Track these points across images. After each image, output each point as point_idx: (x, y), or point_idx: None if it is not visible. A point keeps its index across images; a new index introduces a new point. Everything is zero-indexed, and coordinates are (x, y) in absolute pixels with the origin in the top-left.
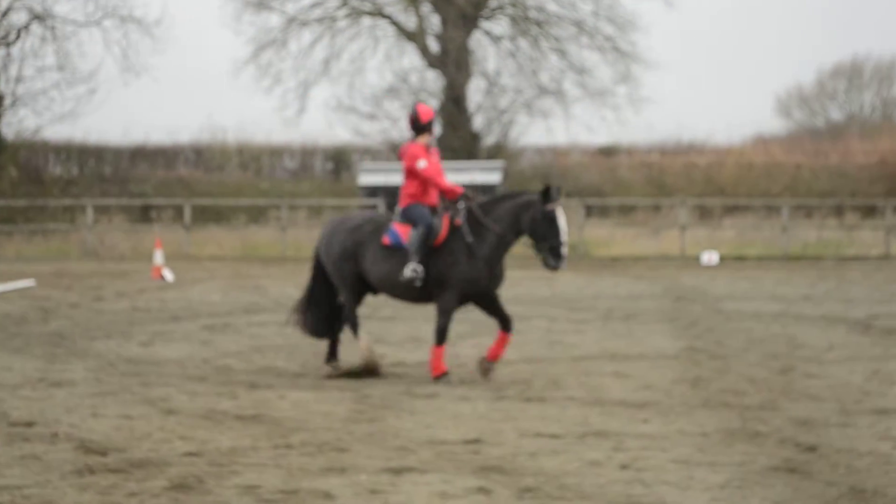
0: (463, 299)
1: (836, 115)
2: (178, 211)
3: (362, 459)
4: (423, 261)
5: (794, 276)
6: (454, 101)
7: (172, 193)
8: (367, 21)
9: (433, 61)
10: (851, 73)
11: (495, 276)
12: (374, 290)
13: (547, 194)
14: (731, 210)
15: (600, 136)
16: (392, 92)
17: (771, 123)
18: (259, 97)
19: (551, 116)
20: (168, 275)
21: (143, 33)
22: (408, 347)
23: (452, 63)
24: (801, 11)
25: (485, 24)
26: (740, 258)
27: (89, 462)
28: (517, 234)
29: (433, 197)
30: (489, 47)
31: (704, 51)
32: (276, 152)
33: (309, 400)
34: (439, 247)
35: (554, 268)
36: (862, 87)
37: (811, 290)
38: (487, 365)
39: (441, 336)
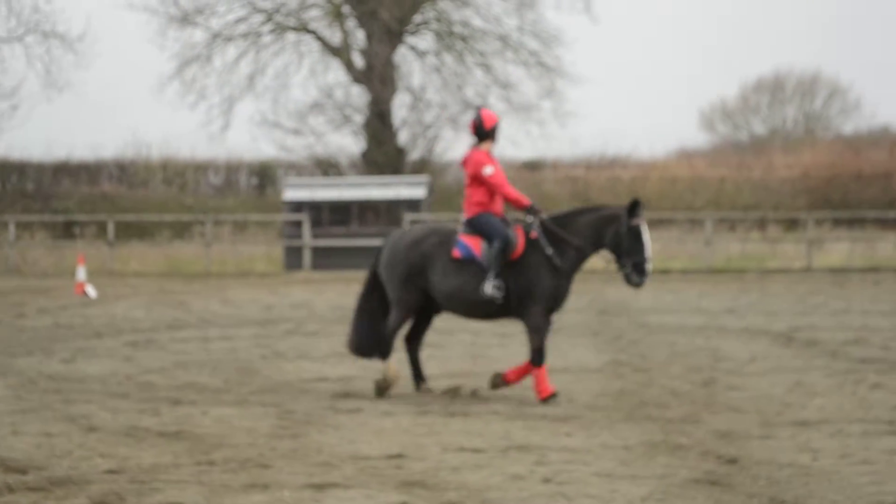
0: (548, 313)
1: (760, 128)
2: (102, 227)
3: (285, 475)
4: (501, 275)
5: (718, 288)
6: (379, 117)
7: (96, 209)
8: (291, 36)
9: (358, 76)
10: (774, 88)
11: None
12: (436, 309)
13: (634, 208)
14: (655, 223)
15: (525, 151)
16: (317, 107)
17: (695, 137)
18: (183, 113)
19: None
20: (91, 291)
21: (65, 49)
22: (331, 362)
23: (377, 78)
24: (724, 26)
25: (410, 40)
26: (664, 271)
27: (9, 481)
28: (597, 248)
29: (499, 206)
30: (414, 62)
31: (629, 66)
32: (201, 168)
33: (232, 416)
34: (517, 261)
35: (638, 284)
36: (784, 101)
37: (734, 303)
38: (500, 382)
39: (540, 356)
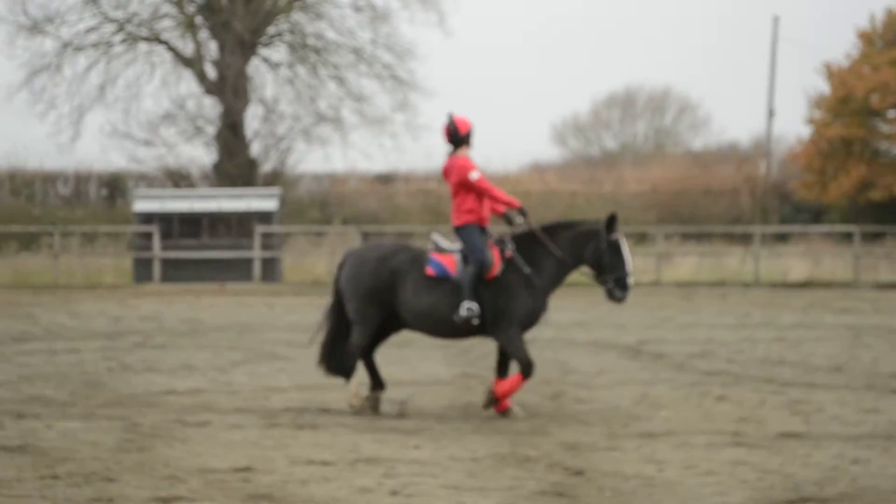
0: (523, 332)
1: (611, 143)
2: None
3: (131, 489)
4: (475, 296)
5: (568, 302)
6: (231, 128)
7: None
8: (143, 47)
9: (211, 88)
10: (625, 103)
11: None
12: (400, 327)
13: (611, 223)
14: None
15: (378, 164)
16: (168, 118)
17: (547, 152)
18: (32, 123)
19: (329, 144)
20: None
21: None
22: (179, 375)
23: (230, 89)
24: (576, 41)
25: (263, 51)
26: None
27: None
28: (577, 264)
29: (487, 212)
30: (267, 74)
31: (482, 80)
32: (50, 178)
33: (77, 429)
34: (493, 280)
35: (620, 300)
36: (635, 117)
37: (583, 316)
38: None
39: (529, 369)
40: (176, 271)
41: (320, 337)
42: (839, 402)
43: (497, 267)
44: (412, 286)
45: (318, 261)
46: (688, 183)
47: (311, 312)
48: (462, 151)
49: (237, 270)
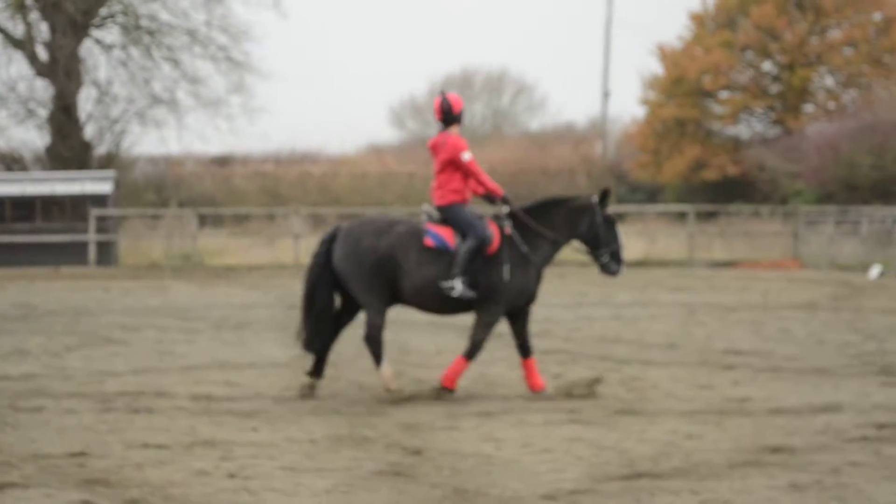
0: (505, 311)
1: None
2: None
3: None
4: (469, 271)
5: None
6: (64, 111)
7: None
8: None
9: (42, 70)
10: (462, 85)
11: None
12: (397, 301)
13: (605, 198)
14: (346, 219)
15: (214, 146)
16: None
17: (384, 133)
18: None
19: (164, 126)
20: None
21: None
22: (12, 360)
23: (62, 71)
24: (413, 22)
25: (95, 33)
26: None
27: None
28: (570, 239)
29: (470, 194)
30: (100, 56)
31: (319, 62)
32: None
33: None
34: (490, 256)
35: (615, 273)
36: (472, 98)
37: None
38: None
39: (476, 350)
40: (9, 256)
41: (303, 312)
42: (673, 379)
43: (497, 243)
44: (415, 258)
45: (154, 244)
46: (525, 164)
47: (148, 295)
48: (454, 130)
49: (72, 254)
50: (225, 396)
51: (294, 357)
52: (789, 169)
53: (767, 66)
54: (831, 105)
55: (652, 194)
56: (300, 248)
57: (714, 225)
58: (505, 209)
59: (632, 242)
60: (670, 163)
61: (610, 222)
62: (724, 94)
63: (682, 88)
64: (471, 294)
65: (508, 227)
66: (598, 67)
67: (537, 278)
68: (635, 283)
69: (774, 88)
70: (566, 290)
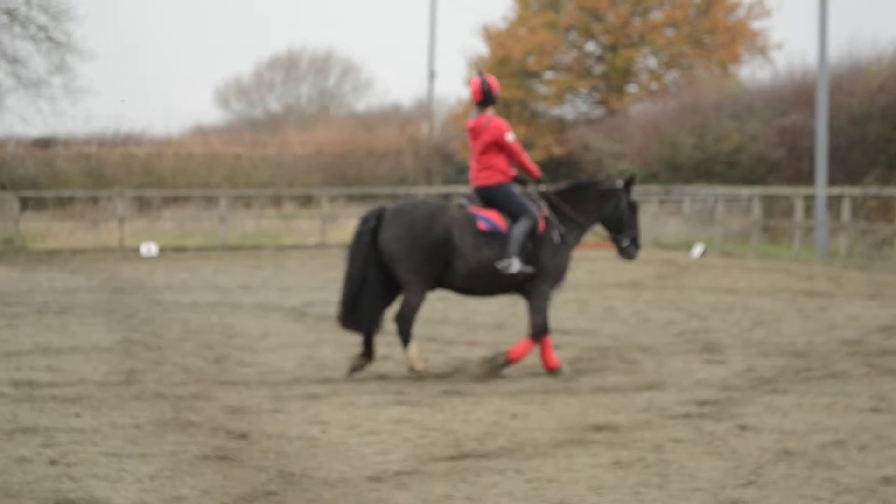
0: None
1: (275, 105)
2: None
3: None
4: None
5: (233, 266)
6: None
7: None
8: None
9: None
10: (288, 65)
11: None
12: (439, 284)
13: (630, 184)
14: (171, 201)
15: (36, 128)
16: None
17: (210, 114)
18: None
19: None
20: None
21: None
22: None
23: None
24: (239, 3)
25: None
26: (180, 249)
27: None
28: (596, 222)
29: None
30: None
31: (143, 42)
32: None
33: None
34: (539, 237)
35: (633, 257)
36: (299, 79)
37: (249, 280)
38: (503, 361)
39: (540, 333)
40: None
41: (351, 293)
42: None
43: (542, 224)
44: (471, 241)
45: None
46: (352, 145)
47: None
48: (490, 111)
49: None
50: (47, 382)
51: (118, 341)
52: (614, 149)
53: (591, 46)
54: (654, 86)
55: None
56: (125, 231)
57: None
58: (541, 189)
59: None
60: None
61: (634, 208)
62: (548, 75)
63: (508, 69)
64: (529, 269)
65: (545, 210)
66: (424, 48)
67: (569, 258)
68: None
69: (598, 69)
70: None
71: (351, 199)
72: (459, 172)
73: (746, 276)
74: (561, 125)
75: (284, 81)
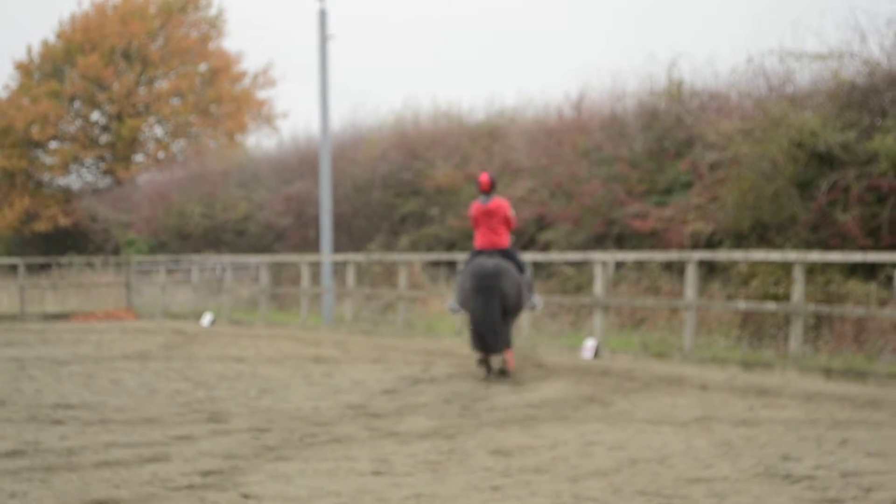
0: None
1: None
2: None
3: None
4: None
5: None
6: None
7: None
8: None
9: None
10: None
11: None
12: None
13: None
14: None
15: None
16: None
17: None
18: None
19: None
20: None
21: None
22: None
23: None
24: None
25: None
26: None
27: None
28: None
29: None
30: None
31: None
32: None
33: None
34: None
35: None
36: None
37: None
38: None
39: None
40: None
41: (479, 327)
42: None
43: None
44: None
45: None
46: None
47: None
48: (494, 195)
49: None
50: None
51: None
52: (122, 219)
53: (96, 115)
54: (161, 155)
55: None
56: None
57: (47, 277)
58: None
59: None
60: (0, 214)
61: None
62: (53, 145)
63: (10, 139)
64: (541, 304)
65: None
66: None
67: None
68: None
69: (104, 138)
70: None
71: None
72: None
73: (255, 344)
74: (67, 195)
75: None
